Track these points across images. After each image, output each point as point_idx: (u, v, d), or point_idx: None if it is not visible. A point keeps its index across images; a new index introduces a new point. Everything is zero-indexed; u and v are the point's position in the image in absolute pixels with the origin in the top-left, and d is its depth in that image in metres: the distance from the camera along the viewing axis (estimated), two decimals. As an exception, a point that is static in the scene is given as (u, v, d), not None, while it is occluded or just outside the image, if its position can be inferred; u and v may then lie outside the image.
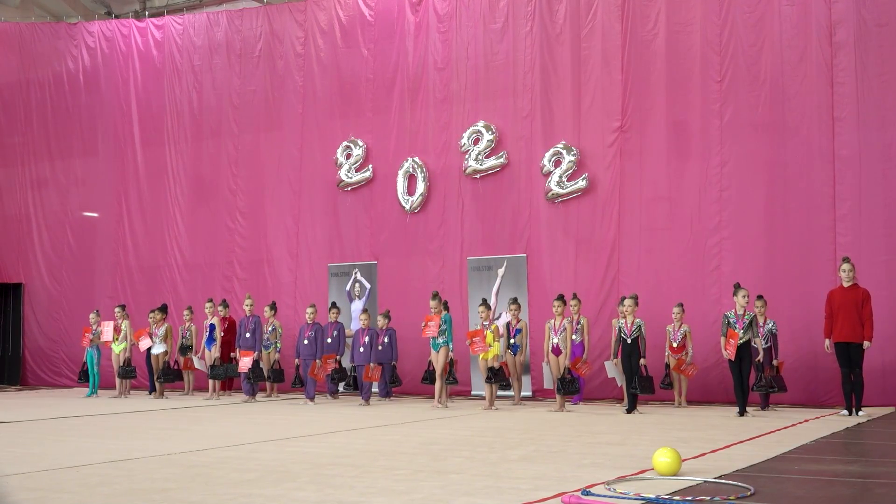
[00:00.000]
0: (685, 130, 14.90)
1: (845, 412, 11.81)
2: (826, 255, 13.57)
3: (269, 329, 15.95)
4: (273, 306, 16.10)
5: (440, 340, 13.95)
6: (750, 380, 12.30)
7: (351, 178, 17.56)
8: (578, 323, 13.83)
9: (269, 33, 18.83)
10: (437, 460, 7.66)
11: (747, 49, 14.53)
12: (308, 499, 5.85)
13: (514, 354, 14.13)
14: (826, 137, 13.87)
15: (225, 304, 16.65)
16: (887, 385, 12.95)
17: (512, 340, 14.08)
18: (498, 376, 13.57)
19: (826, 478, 6.79)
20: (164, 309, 16.90)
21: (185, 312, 16.85)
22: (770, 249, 14.11)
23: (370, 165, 17.46)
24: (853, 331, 11.73)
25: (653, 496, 5.73)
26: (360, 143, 17.57)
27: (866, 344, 11.74)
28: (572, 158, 15.53)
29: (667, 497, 5.75)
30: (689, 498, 5.69)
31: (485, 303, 14.08)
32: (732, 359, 12.06)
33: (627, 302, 12.73)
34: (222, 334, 16.14)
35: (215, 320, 16.19)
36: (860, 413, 11.71)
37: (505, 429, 10.50)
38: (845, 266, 11.96)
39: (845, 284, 11.92)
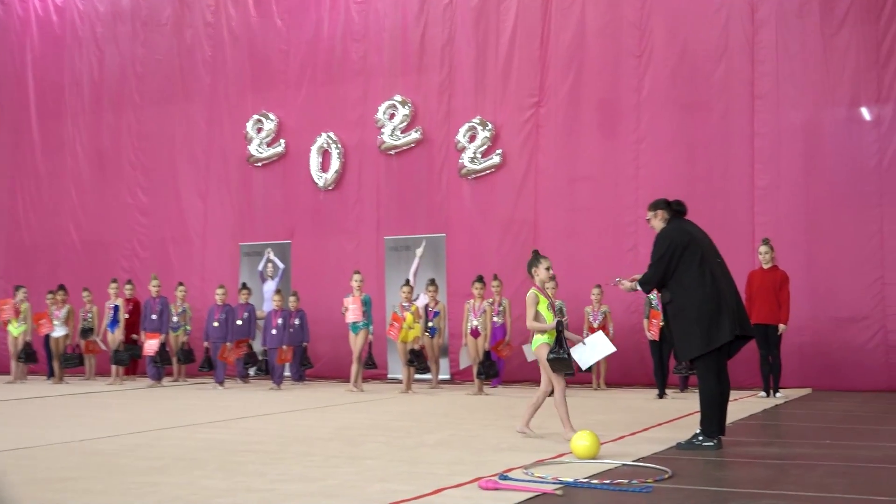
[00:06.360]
0: (602, 107, 15.06)
1: (763, 394, 12.16)
2: (745, 237, 13.86)
3: (179, 311, 15.77)
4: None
5: (360, 323, 13.91)
6: (670, 363, 12.57)
7: (262, 153, 17.39)
8: (500, 304, 13.92)
9: (177, 1, 18.48)
10: (352, 446, 7.68)
11: (667, 23, 14.73)
12: (217, 486, 5.81)
13: (432, 337, 14.19)
14: (745, 116, 14.16)
15: (130, 284, 16.36)
16: (804, 366, 13.35)
17: (430, 323, 14.14)
18: (419, 359, 13.63)
19: (744, 459, 7.00)
20: (63, 289, 16.53)
21: (85, 294, 16.48)
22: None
23: (282, 140, 17.32)
24: (770, 313, 12.03)
25: (571, 480, 5.83)
26: (272, 116, 17.40)
27: (782, 327, 12.06)
28: (487, 134, 15.62)
29: (585, 480, 5.86)
30: (608, 481, 5.81)
31: (408, 283, 14.14)
32: (657, 339, 12.31)
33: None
34: (127, 316, 15.89)
35: (119, 301, 15.92)
36: (777, 395, 12.07)
37: (422, 413, 10.56)
38: (762, 248, 12.29)
39: (764, 266, 12.24)
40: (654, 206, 8.03)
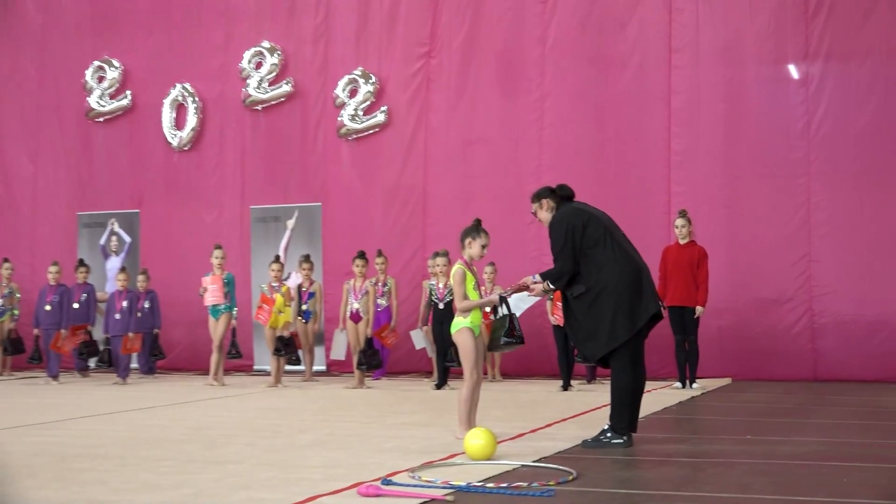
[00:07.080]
0: (502, 59, 15.16)
1: (678, 384, 12.47)
2: (660, 208, 14.14)
3: (5, 293, 15.39)
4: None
5: (221, 306, 13.75)
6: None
7: (104, 106, 17.07)
8: (385, 285, 13.93)
9: (-1, -77, 17.95)
10: (211, 448, 7.63)
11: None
12: (51, 498, 5.72)
13: (306, 322, 14.14)
14: (661, 71, 14.40)
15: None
16: (724, 354, 13.73)
17: (304, 306, 14.08)
18: (289, 347, 13.57)
19: (656, 458, 7.18)
20: None
21: None
22: (598, 199, 14.37)
23: (128, 92, 17.02)
24: (687, 294, 12.30)
25: (463, 484, 5.89)
26: (116, 63, 17.07)
27: (699, 310, 12.35)
28: (370, 88, 15.59)
29: (479, 484, 5.93)
30: (505, 484, 5.89)
31: (278, 259, 14.05)
32: (561, 324, 12.46)
33: (440, 260, 12.85)
34: (-60, 299, 15.49)
35: (-70, 282, 15.50)
36: (694, 385, 12.38)
37: (293, 409, 10.56)
38: (679, 221, 12.54)
39: (681, 241, 12.51)
40: (537, 196, 8.05)
